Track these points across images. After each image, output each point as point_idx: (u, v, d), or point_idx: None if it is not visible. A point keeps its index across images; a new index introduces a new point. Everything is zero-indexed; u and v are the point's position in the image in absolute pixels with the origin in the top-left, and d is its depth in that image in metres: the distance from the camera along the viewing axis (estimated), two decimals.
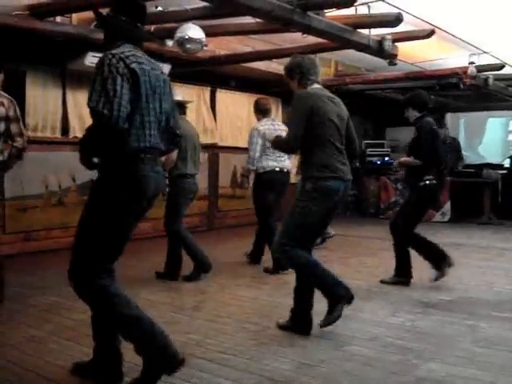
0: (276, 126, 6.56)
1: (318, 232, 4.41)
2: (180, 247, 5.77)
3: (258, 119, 6.61)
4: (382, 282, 5.69)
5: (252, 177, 6.60)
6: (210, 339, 3.91)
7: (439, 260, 5.57)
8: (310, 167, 4.01)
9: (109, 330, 3.09)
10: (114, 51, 2.86)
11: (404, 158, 5.80)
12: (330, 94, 4.18)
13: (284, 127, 6.64)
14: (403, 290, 5.41)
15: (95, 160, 2.98)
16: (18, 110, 4.61)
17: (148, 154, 2.95)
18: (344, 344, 3.85)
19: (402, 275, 5.65)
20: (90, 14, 6.18)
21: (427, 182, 5.49)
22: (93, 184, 3.03)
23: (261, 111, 6.59)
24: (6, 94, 4.61)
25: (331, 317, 3.93)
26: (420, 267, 5.70)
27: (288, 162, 6.53)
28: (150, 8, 5.26)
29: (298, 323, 4.08)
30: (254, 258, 6.71)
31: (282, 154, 6.28)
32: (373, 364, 3.50)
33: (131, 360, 3.09)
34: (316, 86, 4.14)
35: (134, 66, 2.84)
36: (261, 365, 3.45)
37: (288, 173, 6.54)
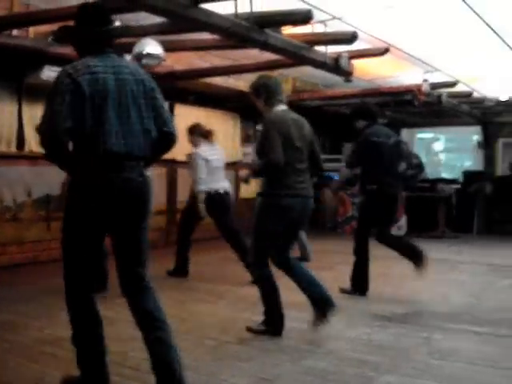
0: (215, 150, 6.67)
1: (283, 244, 4.35)
2: None
3: (197, 143, 6.61)
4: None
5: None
6: None
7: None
8: (268, 185, 4.14)
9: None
10: (67, 66, 2.86)
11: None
12: (295, 116, 4.29)
13: (221, 152, 6.73)
14: (359, 304, 5.46)
15: None
16: None
17: (109, 160, 2.84)
18: (301, 358, 3.87)
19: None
20: (47, 28, 6.13)
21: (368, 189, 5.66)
22: None
23: (202, 135, 6.65)
24: None
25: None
26: (376, 280, 5.76)
27: (228, 184, 6.63)
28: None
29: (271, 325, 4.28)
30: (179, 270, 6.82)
31: (222, 176, 6.46)
32: (330, 378, 3.53)
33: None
34: (282, 107, 4.26)
35: (80, 78, 2.78)
36: (219, 380, 3.45)
37: (228, 193, 6.59)
